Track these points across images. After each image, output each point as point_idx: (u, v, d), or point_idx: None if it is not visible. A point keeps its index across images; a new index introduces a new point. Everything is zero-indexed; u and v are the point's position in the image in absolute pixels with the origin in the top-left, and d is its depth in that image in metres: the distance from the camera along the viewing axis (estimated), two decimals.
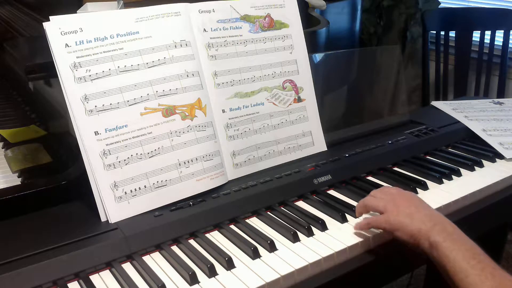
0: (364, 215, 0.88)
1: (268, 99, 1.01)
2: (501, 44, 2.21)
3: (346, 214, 0.89)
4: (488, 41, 2.24)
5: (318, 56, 1.13)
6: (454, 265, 0.70)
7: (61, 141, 1.05)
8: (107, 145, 0.82)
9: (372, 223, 0.82)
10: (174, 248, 0.80)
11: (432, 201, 0.94)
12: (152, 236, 0.80)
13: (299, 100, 1.04)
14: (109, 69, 0.83)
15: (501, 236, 1.37)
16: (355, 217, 0.89)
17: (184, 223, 0.83)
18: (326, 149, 1.08)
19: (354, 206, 0.91)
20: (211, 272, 0.74)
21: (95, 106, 0.82)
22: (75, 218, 0.83)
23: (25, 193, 0.86)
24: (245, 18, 0.99)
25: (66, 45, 0.80)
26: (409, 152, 1.12)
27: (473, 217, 0.96)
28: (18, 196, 0.85)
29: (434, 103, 1.40)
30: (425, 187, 0.99)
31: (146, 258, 0.78)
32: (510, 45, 2.21)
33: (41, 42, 0.82)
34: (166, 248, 0.80)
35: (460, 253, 0.70)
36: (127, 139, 0.84)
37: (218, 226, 0.86)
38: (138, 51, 0.86)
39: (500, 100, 1.44)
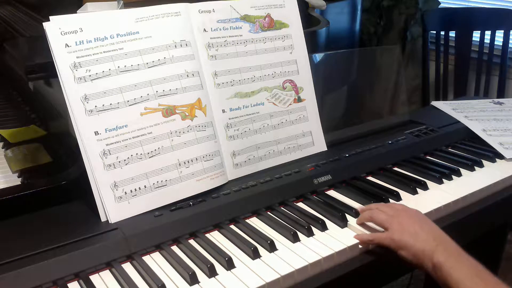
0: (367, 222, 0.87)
1: (268, 99, 1.01)
2: (501, 44, 2.21)
3: (346, 215, 0.89)
4: (488, 41, 2.24)
5: (318, 56, 1.13)
6: (458, 283, 0.71)
7: (61, 141, 1.05)
8: (107, 145, 0.82)
9: (376, 239, 0.82)
10: (174, 248, 0.80)
11: (432, 201, 0.94)
12: (152, 236, 0.80)
13: (299, 100, 1.04)
14: (109, 69, 0.83)
15: (501, 236, 1.37)
16: (355, 217, 0.89)
17: (184, 223, 0.83)
18: (326, 149, 1.08)
19: (354, 207, 0.91)
20: (211, 272, 0.74)
21: (95, 106, 0.82)
22: (75, 218, 0.83)
23: (25, 193, 0.86)
24: (245, 18, 0.99)
25: (66, 45, 0.80)
26: (409, 152, 1.12)
27: (473, 217, 0.96)
28: (18, 196, 0.85)
29: (434, 103, 1.40)
30: (425, 187, 0.99)
31: (146, 258, 0.78)
32: (510, 45, 2.21)
33: (41, 42, 0.82)
34: (166, 248, 0.80)
35: (463, 271, 0.71)
36: (127, 139, 0.84)
37: (218, 226, 0.86)
38: (138, 51, 0.86)
39: (500, 100, 1.44)
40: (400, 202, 0.94)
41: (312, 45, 1.21)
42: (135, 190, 0.84)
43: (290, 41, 1.04)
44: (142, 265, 0.75)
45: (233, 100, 0.96)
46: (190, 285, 0.72)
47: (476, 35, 2.29)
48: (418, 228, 0.79)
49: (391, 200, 0.94)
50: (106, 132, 0.82)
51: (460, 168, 1.06)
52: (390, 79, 1.27)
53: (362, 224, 0.86)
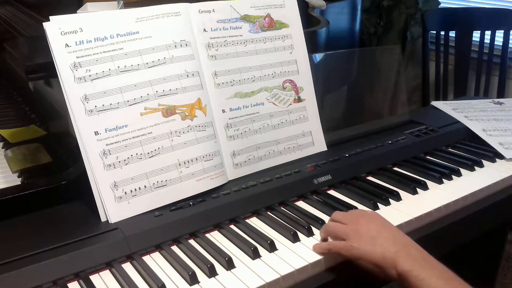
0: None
1: (268, 99, 1.01)
2: (501, 44, 2.21)
3: None
4: (488, 41, 2.24)
5: (318, 56, 1.13)
6: None
7: (61, 141, 1.05)
8: (107, 145, 0.82)
9: (333, 249, 0.77)
10: (174, 248, 0.80)
11: (432, 201, 0.94)
12: (152, 236, 0.80)
13: (299, 100, 1.04)
14: (109, 69, 0.83)
15: (501, 236, 1.37)
16: None
17: (184, 223, 0.83)
18: (326, 149, 1.08)
19: (354, 206, 0.91)
20: (211, 272, 0.74)
21: (95, 106, 0.82)
22: (75, 218, 0.83)
23: (25, 193, 0.86)
24: (245, 18, 0.99)
25: (66, 45, 0.80)
26: (409, 152, 1.12)
27: (473, 217, 0.96)
28: (18, 196, 0.85)
29: (434, 103, 1.40)
30: (425, 187, 0.99)
31: (146, 258, 0.78)
32: (510, 45, 2.21)
33: (41, 42, 0.82)
34: (166, 248, 0.80)
35: (431, 282, 0.67)
36: (127, 139, 0.84)
37: (218, 226, 0.86)
38: (138, 51, 0.86)
39: (500, 100, 1.44)
40: (400, 202, 0.94)
41: (312, 45, 1.21)
42: (135, 190, 0.84)
43: (290, 41, 1.04)
44: (142, 265, 0.75)
45: (233, 100, 0.96)
46: (190, 285, 0.72)
47: (476, 35, 2.29)
48: (375, 232, 0.74)
49: (391, 200, 0.94)
50: (106, 132, 0.82)
51: (460, 168, 1.06)
52: (390, 79, 1.27)
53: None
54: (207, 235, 0.84)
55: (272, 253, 0.79)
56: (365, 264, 0.74)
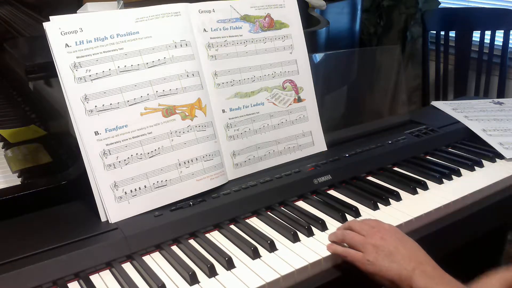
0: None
1: (268, 99, 1.01)
2: (501, 44, 2.21)
3: (346, 214, 0.89)
4: (488, 41, 2.24)
5: (318, 56, 1.13)
6: None
7: (61, 141, 1.05)
8: (107, 145, 0.82)
9: (349, 257, 0.77)
10: (174, 248, 0.80)
11: (432, 201, 0.94)
12: (152, 236, 0.80)
13: (299, 100, 1.04)
14: (109, 69, 0.83)
15: (501, 236, 1.37)
16: (356, 217, 0.89)
17: (184, 223, 0.83)
18: (326, 149, 1.08)
19: (354, 206, 0.91)
20: (211, 272, 0.74)
21: (95, 106, 0.82)
22: (75, 218, 0.83)
23: (25, 193, 0.86)
24: (245, 18, 0.99)
25: (66, 45, 0.80)
26: (409, 152, 1.12)
27: (473, 217, 0.96)
28: (18, 196, 0.85)
29: (434, 103, 1.40)
30: (425, 187, 0.99)
31: (146, 258, 0.78)
32: (510, 45, 2.21)
33: (41, 42, 0.82)
34: (166, 248, 0.80)
35: None
36: (127, 139, 0.84)
37: (218, 226, 0.86)
38: (138, 51, 0.86)
39: (500, 100, 1.44)
40: (400, 202, 0.94)
41: (312, 45, 1.21)
42: (135, 190, 0.84)
43: (290, 41, 1.04)
44: (142, 265, 0.75)
45: (233, 100, 0.96)
46: (190, 285, 0.72)
47: (476, 35, 2.29)
48: (392, 249, 0.74)
49: (391, 200, 0.94)
50: (106, 132, 0.82)
51: (460, 168, 1.06)
52: (390, 79, 1.28)
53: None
54: (207, 235, 0.84)
55: (272, 253, 0.79)
56: (380, 279, 0.74)
